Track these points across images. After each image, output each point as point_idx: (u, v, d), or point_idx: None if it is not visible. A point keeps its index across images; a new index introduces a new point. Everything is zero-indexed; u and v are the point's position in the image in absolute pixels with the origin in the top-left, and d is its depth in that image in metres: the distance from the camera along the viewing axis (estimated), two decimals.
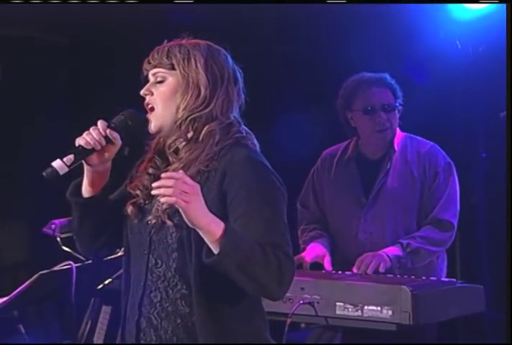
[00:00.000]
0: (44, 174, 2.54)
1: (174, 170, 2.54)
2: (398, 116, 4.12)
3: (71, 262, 4.10)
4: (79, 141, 2.58)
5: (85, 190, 2.68)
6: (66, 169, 2.54)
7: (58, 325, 4.87)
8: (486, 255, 5.19)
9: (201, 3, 4.70)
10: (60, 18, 5.58)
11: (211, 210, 2.42)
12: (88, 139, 2.58)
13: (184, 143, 2.61)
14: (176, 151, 2.63)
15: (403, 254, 3.91)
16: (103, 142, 2.59)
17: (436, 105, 5.20)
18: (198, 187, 2.41)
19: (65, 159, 2.54)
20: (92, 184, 2.66)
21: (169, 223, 2.55)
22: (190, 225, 2.43)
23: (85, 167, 2.64)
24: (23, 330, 4.82)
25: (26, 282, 4.39)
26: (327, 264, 4.01)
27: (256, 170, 2.54)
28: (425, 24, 5.05)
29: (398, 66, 5.04)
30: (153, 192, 2.40)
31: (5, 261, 5.63)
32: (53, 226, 4.28)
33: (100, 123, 2.61)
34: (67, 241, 3.90)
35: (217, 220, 2.42)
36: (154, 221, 2.58)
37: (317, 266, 4.05)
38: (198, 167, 2.54)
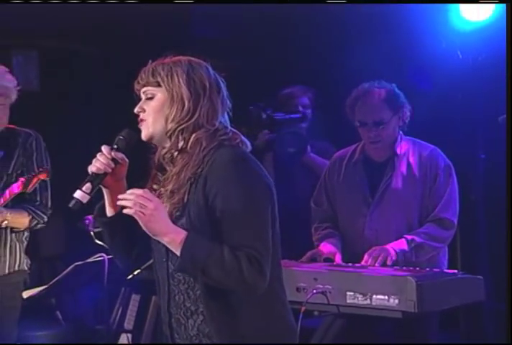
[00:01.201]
0: (70, 206, 2.57)
1: (168, 178, 2.59)
2: (397, 124, 4.11)
3: (103, 254, 4.12)
4: (91, 169, 2.61)
5: (108, 210, 2.70)
6: (88, 197, 2.56)
7: (92, 311, 4.90)
8: (485, 248, 5.17)
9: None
10: (94, 30, 5.61)
11: (200, 215, 2.50)
12: (98, 165, 2.60)
13: (176, 153, 2.63)
14: (171, 160, 2.64)
15: (408, 249, 3.91)
16: (112, 165, 2.62)
17: (439, 110, 5.18)
18: (158, 202, 2.50)
19: (84, 189, 2.57)
20: (113, 203, 2.68)
21: None
22: (151, 236, 2.51)
23: (103, 189, 2.67)
24: (60, 317, 4.87)
25: (63, 273, 4.43)
26: (338, 259, 4.02)
27: (234, 172, 2.53)
28: (428, 35, 5.04)
29: (403, 74, 5.04)
30: (118, 202, 2.50)
31: (44, 253, 5.66)
32: (87, 221, 4.31)
33: (104, 148, 2.63)
34: (99, 235, 3.92)
35: (179, 230, 2.49)
36: None
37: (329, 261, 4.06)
38: (187, 175, 2.56)
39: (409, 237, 3.93)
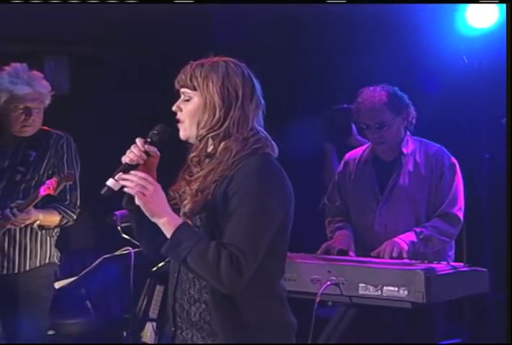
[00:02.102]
0: (102, 192, 2.58)
1: (195, 179, 2.59)
2: (402, 125, 4.11)
3: (130, 248, 4.13)
4: (125, 159, 2.61)
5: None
6: (119, 186, 2.56)
7: (119, 301, 4.92)
8: (489, 242, 5.17)
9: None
10: (120, 36, 5.62)
11: (218, 214, 2.50)
12: (132, 156, 2.60)
13: (204, 157, 2.63)
14: (198, 163, 2.64)
15: (416, 240, 3.92)
16: (145, 157, 2.62)
17: (445, 111, 5.17)
18: (158, 186, 2.53)
19: (116, 177, 2.57)
20: None
21: (190, 224, 2.57)
22: (149, 217, 2.53)
23: None
24: (89, 306, 4.88)
25: (92, 265, 4.44)
26: (351, 252, 4.03)
27: (256, 180, 2.52)
28: (436, 40, 5.04)
29: (411, 78, 5.03)
30: (120, 181, 2.52)
31: (74, 246, 5.68)
32: (114, 216, 4.32)
33: (138, 141, 2.63)
34: (126, 230, 3.93)
35: (175, 216, 2.52)
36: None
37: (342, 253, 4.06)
38: (214, 178, 2.56)
39: (418, 229, 3.95)
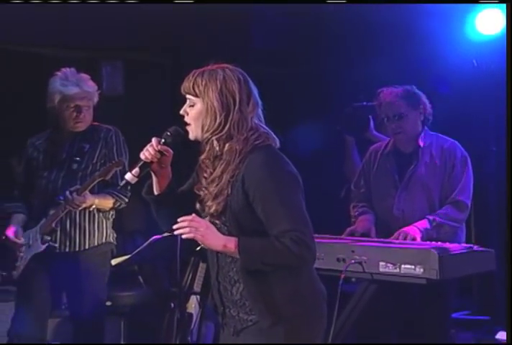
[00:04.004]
0: (120, 185, 2.66)
1: (211, 181, 2.60)
2: (418, 118, 4.08)
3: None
4: (141, 156, 2.64)
5: (155, 189, 2.71)
6: (136, 179, 2.62)
7: (167, 277, 4.92)
8: (496, 226, 5.13)
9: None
10: (167, 43, 5.63)
11: (239, 210, 2.52)
12: (147, 155, 2.63)
13: (213, 158, 2.63)
14: (211, 164, 2.63)
15: (430, 227, 3.89)
16: (158, 155, 2.64)
17: (457, 110, 5.13)
18: (205, 222, 2.53)
19: (133, 172, 2.61)
20: (159, 184, 2.70)
21: (218, 222, 2.59)
22: (211, 249, 2.58)
23: (152, 173, 2.69)
24: (141, 281, 4.90)
25: (144, 244, 4.46)
26: (372, 234, 4.01)
27: (267, 171, 2.52)
28: (448, 46, 5.00)
29: (427, 80, 4.99)
30: (175, 232, 2.52)
31: (127, 228, 5.71)
32: None
33: (154, 140, 2.65)
34: None
35: (230, 239, 2.51)
36: (208, 219, 2.61)
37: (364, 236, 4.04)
38: (227, 178, 2.56)
39: (431, 217, 3.91)
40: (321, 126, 5.85)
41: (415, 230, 3.84)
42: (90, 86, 3.97)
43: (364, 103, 4.85)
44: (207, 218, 2.61)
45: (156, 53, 6.14)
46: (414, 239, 3.80)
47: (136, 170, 2.61)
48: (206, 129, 2.60)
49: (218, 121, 2.58)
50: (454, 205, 3.97)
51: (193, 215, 2.54)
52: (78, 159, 3.96)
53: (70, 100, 3.91)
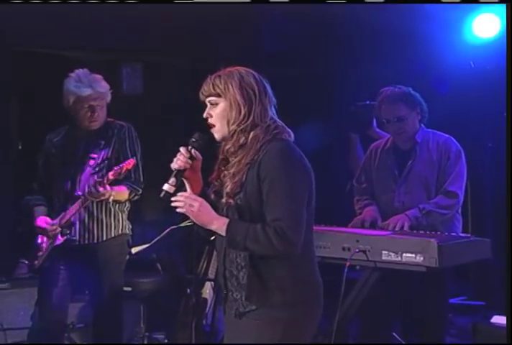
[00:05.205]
0: (160, 196, 2.60)
1: (233, 164, 2.60)
2: (416, 118, 4.06)
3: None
4: (174, 166, 2.63)
5: None
6: (174, 188, 2.60)
7: (183, 264, 4.94)
8: (491, 216, 5.12)
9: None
10: (184, 46, 5.62)
11: (252, 193, 2.52)
12: (179, 163, 2.62)
13: (238, 147, 2.63)
14: (233, 153, 2.63)
15: (419, 215, 3.89)
16: (190, 162, 2.64)
17: (455, 108, 5.12)
18: (201, 200, 2.56)
19: (170, 182, 2.60)
20: (193, 190, 2.69)
21: (232, 202, 2.58)
22: (202, 226, 2.57)
23: (185, 180, 2.68)
24: (160, 268, 4.91)
25: (162, 234, 4.46)
26: (379, 223, 4.01)
27: (281, 161, 2.53)
28: (447, 49, 4.99)
29: (427, 80, 4.99)
30: (172, 204, 2.55)
31: (146, 219, 5.72)
32: None
33: (182, 149, 2.64)
34: None
35: (222, 219, 2.54)
36: (224, 202, 2.61)
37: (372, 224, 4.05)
38: (246, 161, 2.56)
39: (421, 206, 3.92)
40: (326, 124, 5.85)
41: (404, 218, 3.87)
42: (103, 86, 3.96)
43: (368, 102, 4.84)
44: (223, 200, 2.61)
45: (173, 55, 6.14)
46: (403, 226, 3.81)
47: (173, 180, 2.60)
48: (231, 122, 2.61)
49: (242, 113, 2.60)
50: (444, 195, 3.96)
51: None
52: (94, 155, 3.95)
53: (84, 101, 3.89)
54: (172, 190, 2.59)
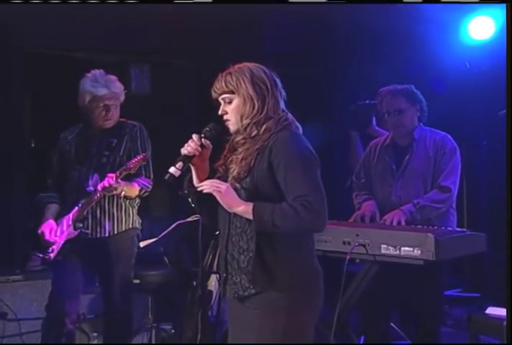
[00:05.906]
0: (165, 178, 2.60)
1: (243, 150, 2.60)
2: (415, 114, 4.07)
3: (199, 215, 4.13)
4: (183, 151, 2.63)
5: (196, 182, 2.70)
6: (179, 172, 2.59)
7: (189, 257, 4.93)
8: (486, 211, 5.12)
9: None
10: (189, 47, 5.62)
11: (261, 178, 2.53)
12: (189, 149, 2.62)
13: (248, 139, 2.63)
14: (243, 144, 2.64)
15: (414, 209, 3.88)
16: (200, 149, 2.63)
17: (451, 107, 5.12)
18: (228, 185, 2.56)
19: (177, 166, 2.59)
20: (199, 177, 2.69)
21: (238, 186, 2.58)
22: (227, 209, 2.55)
23: (192, 166, 2.68)
24: (167, 261, 4.90)
25: (169, 228, 4.47)
26: (377, 217, 4.00)
27: (292, 147, 2.55)
28: (443, 50, 4.99)
29: (424, 80, 4.98)
30: (199, 188, 2.57)
31: (154, 213, 5.73)
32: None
33: (195, 136, 2.64)
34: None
35: (247, 203, 2.52)
36: (230, 182, 2.61)
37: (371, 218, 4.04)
38: (255, 146, 2.57)
39: (416, 201, 3.91)
40: (328, 123, 5.85)
41: (400, 213, 3.86)
42: (118, 87, 3.97)
43: (367, 101, 4.85)
44: (228, 183, 2.60)
45: (180, 56, 6.14)
46: (399, 221, 3.81)
47: (179, 164, 2.59)
48: (246, 116, 2.62)
49: (256, 107, 2.60)
50: (438, 189, 3.96)
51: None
52: (106, 153, 3.96)
53: (99, 100, 3.90)
54: (177, 173, 2.58)
